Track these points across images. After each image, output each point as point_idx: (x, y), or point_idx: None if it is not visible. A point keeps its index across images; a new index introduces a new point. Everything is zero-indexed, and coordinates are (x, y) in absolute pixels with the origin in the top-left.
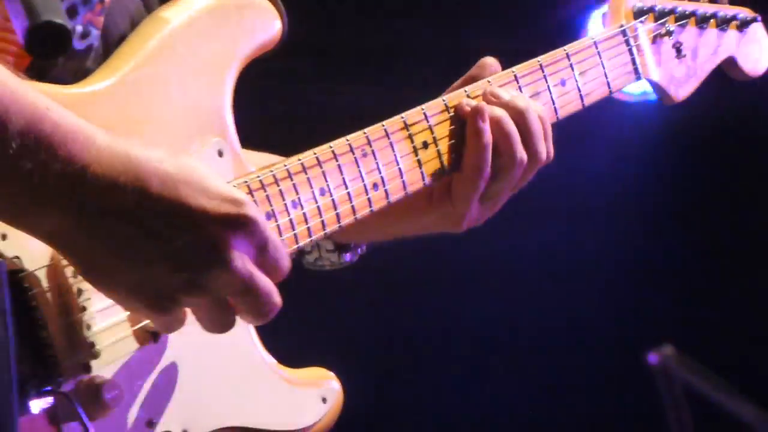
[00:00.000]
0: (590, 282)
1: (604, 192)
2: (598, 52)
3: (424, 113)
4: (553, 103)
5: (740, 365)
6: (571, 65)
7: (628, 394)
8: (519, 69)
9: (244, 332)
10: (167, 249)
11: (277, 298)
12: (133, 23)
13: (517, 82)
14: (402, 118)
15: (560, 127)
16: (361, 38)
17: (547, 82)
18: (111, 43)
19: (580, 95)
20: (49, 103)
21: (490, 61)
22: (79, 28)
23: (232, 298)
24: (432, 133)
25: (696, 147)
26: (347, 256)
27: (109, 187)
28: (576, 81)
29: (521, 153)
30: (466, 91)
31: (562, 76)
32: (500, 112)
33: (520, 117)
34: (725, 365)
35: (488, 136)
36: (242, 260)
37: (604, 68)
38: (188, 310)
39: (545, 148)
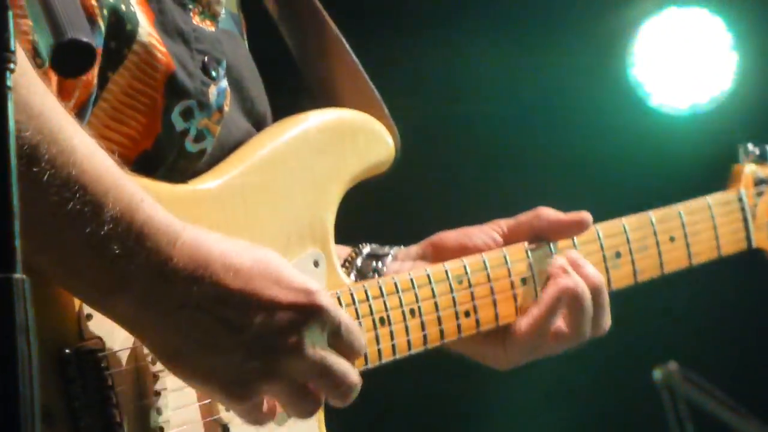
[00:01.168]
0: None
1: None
2: (712, 216)
3: (527, 252)
4: (660, 257)
5: (745, 380)
6: (682, 224)
7: (634, 410)
8: (628, 222)
9: (312, 428)
10: (241, 338)
11: (353, 378)
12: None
13: (626, 235)
14: (502, 252)
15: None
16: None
17: (656, 237)
18: (225, 151)
19: (689, 253)
20: (144, 196)
21: (587, 220)
22: (193, 131)
23: (310, 382)
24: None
25: None
26: None
27: (188, 280)
28: (686, 239)
29: (588, 331)
30: (526, 248)
31: (672, 233)
32: (583, 290)
33: (595, 294)
34: (730, 381)
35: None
36: (313, 346)
37: (716, 231)
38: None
39: (606, 323)
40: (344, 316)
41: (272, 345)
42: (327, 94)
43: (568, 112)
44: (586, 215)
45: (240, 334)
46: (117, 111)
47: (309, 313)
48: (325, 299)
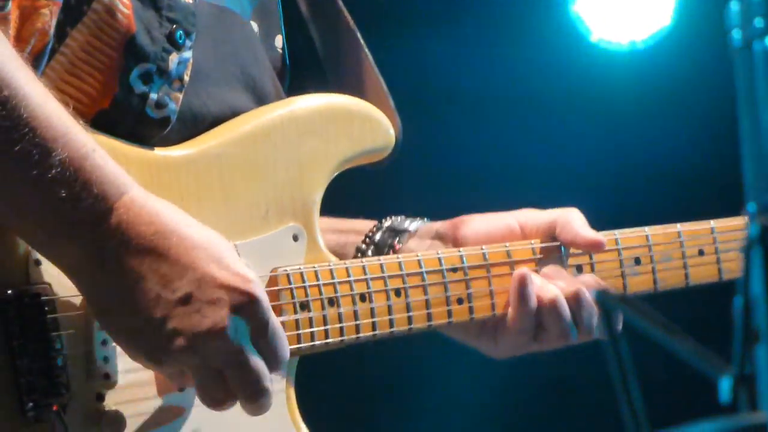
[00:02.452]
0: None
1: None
2: None
3: (533, 250)
4: (685, 269)
5: (679, 300)
6: (714, 239)
7: None
8: (653, 233)
9: (278, 395)
10: (169, 298)
11: (266, 383)
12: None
13: (649, 252)
14: (506, 247)
15: None
16: None
17: (683, 249)
18: (198, 123)
19: (720, 269)
20: (97, 147)
21: (602, 243)
22: (153, 96)
23: (224, 369)
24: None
25: None
26: None
27: (129, 233)
28: (717, 254)
29: (569, 334)
30: (532, 246)
31: (701, 248)
32: (554, 293)
33: (573, 299)
34: (665, 301)
35: (531, 303)
36: (236, 332)
37: None
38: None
39: (590, 327)
40: (274, 318)
41: (196, 314)
42: (336, 84)
43: (511, 47)
44: (603, 240)
45: (168, 294)
46: (74, 66)
47: (241, 298)
48: (260, 293)
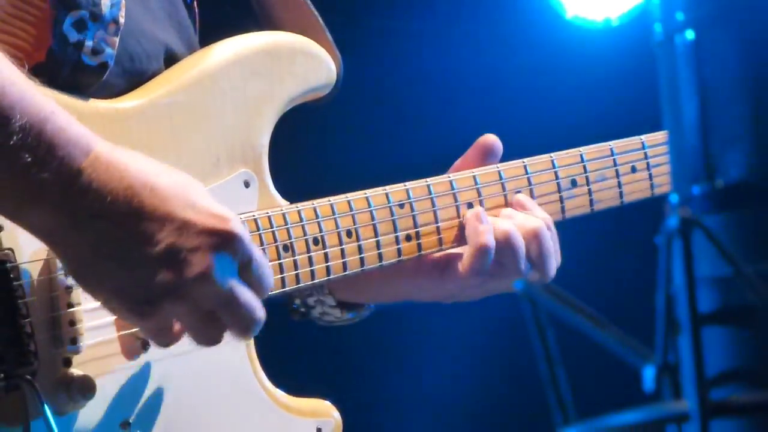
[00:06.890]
0: None
1: None
2: None
3: (474, 178)
4: (620, 187)
5: (604, 290)
6: (645, 154)
7: (495, 321)
8: (588, 152)
9: (240, 353)
10: (152, 253)
11: (259, 313)
12: (172, 57)
13: (584, 164)
14: (449, 178)
15: None
16: None
17: (616, 167)
18: (135, 64)
19: (651, 184)
20: (56, 108)
21: (489, 140)
22: (89, 44)
23: (216, 309)
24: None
25: None
26: (350, 314)
27: (101, 192)
28: (648, 169)
29: (524, 268)
30: (474, 174)
31: (633, 164)
32: (509, 227)
33: (532, 236)
34: (590, 291)
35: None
36: (223, 272)
37: None
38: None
39: (555, 263)
40: (257, 250)
41: (181, 264)
42: (271, 21)
43: (486, 24)
44: (484, 138)
45: (150, 249)
46: (4, 23)
47: (222, 238)
48: (240, 229)
